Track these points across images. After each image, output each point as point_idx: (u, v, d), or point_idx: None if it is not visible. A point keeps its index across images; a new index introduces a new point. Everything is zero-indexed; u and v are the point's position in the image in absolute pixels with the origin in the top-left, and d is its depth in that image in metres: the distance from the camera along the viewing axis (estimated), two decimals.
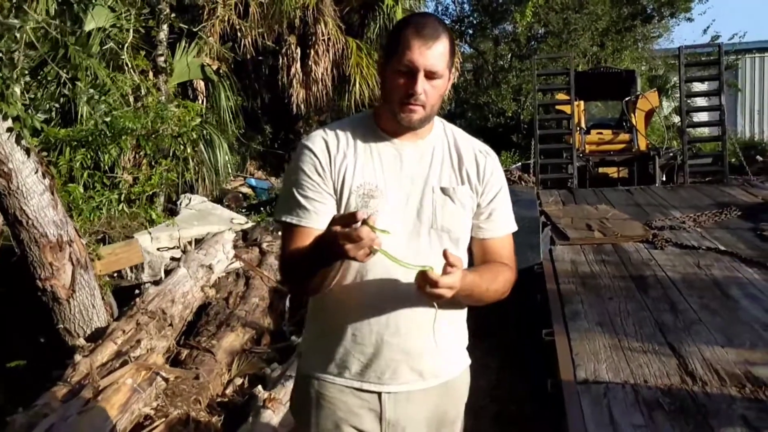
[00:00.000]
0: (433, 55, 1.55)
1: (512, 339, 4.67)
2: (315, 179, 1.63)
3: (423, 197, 1.65)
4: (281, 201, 1.69)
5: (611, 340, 3.40)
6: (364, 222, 1.35)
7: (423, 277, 1.45)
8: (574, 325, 3.64)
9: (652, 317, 3.73)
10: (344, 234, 1.35)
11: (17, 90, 3.79)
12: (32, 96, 4.68)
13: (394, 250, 1.49)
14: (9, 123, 3.72)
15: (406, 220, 1.63)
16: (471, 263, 1.73)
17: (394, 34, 1.61)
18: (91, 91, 3.30)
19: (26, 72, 3.80)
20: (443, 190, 1.67)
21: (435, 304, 1.58)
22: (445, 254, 1.47)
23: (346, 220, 1.38)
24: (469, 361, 1.81)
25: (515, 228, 1.81)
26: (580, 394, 2.83)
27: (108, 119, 3.79)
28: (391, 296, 1.62)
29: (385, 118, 1.67)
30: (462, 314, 1.78)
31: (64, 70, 4.75)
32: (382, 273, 1.61)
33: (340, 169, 1.64)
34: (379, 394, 1.66)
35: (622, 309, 3.88)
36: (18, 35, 3.11)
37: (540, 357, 3.74)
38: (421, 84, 1.56)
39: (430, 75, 1.56)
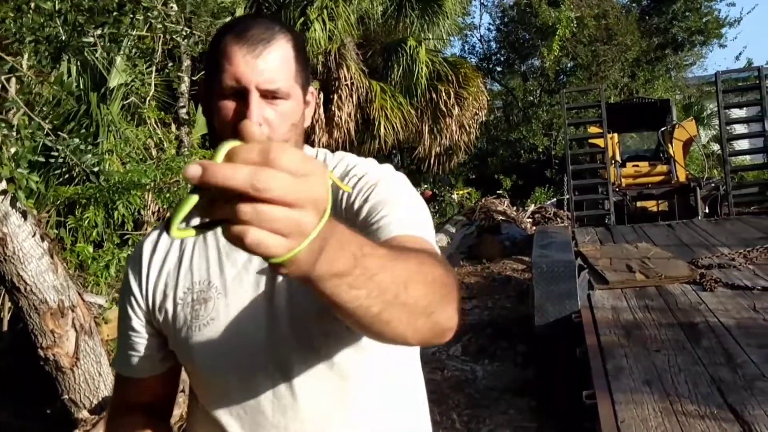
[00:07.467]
0: (267, 64, 1.04)
1: (553, 398, 4.26)
2: (127, 312, 1.19)
3: (274, 277, 1.09)
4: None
5: (662, 402, 3.00)
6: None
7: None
8: (618, 385, 3.25)
9: (707, 373, 3.31)
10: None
11: (12, 149, 3.62)
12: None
13: (246, 370, 1.09)
14: (3, 185, 3.54)
15: (258, 320, 1.09)
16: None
17: (211, 46, 1.10)
18: (76, 140, 3.08)
19: (28, 129, 3.61)
20: None
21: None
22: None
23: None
24: None
25: (430, 235, 1.04)
26: None
27: (96, 169, 3.57)
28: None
29: None
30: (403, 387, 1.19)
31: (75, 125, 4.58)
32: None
33: (156, 283, 1.16)
34: None
35: (672, 364, 3.47)
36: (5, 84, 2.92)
37: (583, 422, 3.35)
38: (257, 108, 1.04)
39: (268, 94, 1.05)
